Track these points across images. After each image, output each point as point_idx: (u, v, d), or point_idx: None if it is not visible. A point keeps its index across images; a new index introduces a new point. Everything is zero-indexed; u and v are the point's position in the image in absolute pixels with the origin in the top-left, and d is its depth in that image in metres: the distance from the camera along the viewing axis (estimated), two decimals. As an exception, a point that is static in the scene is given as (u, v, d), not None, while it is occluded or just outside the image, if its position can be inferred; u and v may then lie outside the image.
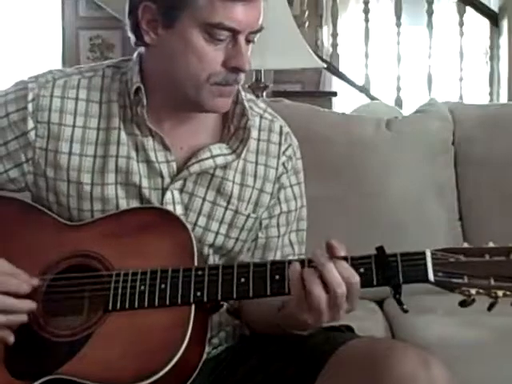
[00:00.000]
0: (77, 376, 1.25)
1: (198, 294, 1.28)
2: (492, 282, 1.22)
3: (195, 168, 1.43)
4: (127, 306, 1.29)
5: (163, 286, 1.29)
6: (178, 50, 1.35)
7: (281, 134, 1.52)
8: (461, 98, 4.94)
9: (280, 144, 1.51)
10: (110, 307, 1.30)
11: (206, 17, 1.32)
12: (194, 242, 1.34)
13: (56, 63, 5.51)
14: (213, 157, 1.43)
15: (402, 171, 2.37)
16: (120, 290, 1.30)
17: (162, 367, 1.22)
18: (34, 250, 1.39)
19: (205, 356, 1.31)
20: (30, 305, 1.32)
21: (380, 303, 2.25)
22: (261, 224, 1.51)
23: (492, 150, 2.40)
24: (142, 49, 1.43)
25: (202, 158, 1.43)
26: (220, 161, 1.44)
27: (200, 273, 1.29)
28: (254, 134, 1.49)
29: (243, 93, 1.48)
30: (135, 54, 1.45)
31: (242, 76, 1.39)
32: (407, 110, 3.43)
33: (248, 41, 1.38)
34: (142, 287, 1.29)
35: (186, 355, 1.24)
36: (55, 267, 1.37)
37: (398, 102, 4.84)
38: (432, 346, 1.79)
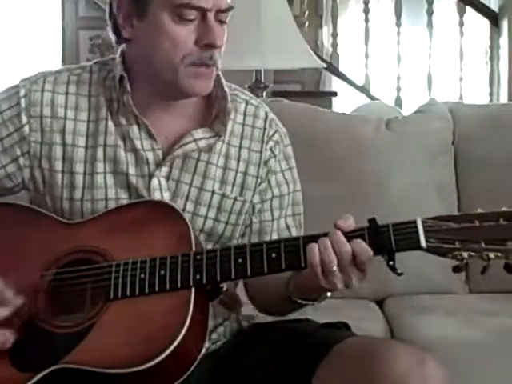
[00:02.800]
0: (80, 364, 1.26)
1: (198, 276, 1.30)
2: (483, 244, 1.24)
3: (178, 152, 1.46)
4: (128, 293, 1.32)
5: (163, 272, 1.31)
6: (153, 38, 1.40)
7: (266, 119, 1.55)
8: (461, 98, 4.94)
9: (264, 129, 1.54)
10: (112, 296, 1.32)
11: None
12: (192, 231, 1.36)
13: (56, 63, 5.50)
14: (195, 140, 1.47)
15: (402, 171, 2.37)
16: (120, 279, 1.32)
17: (163, 350, 1.23)
18: (36, 249, 1.41)
19: (205, 346, 1.32)
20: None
21: (380, 303, 2.25)
22: (254, 209, 1.53)
23: (492, 150, 2.41)
24: (124, 45, 1.48)
25: (184, 142, 1.46)
26: (202, 144, 1.47)
27: (198, 257, 1.32)
28: (239, 118, 1.53)
29: (227, 84, 1.52)
30: (118, 51, 1.50)
31: (217, 55, 1.42)
32: (407, 110, 3.43)
33: (220, 21, 1.41)
34: (142, 275, 1.32)
35: (187, 340, 1.25)
36: (57, 263, 1.38)
37: (398, 102, 4.84)
38: (432, 346, 1.79)
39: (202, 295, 1.32)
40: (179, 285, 1.30)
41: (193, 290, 1.30)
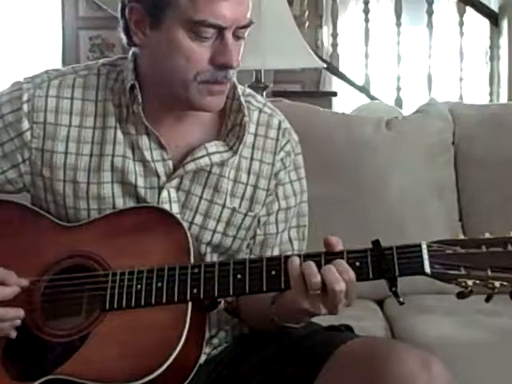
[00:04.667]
0: (74, 376, 1.25)
1: (195, 291, 1.28)
2: (489, 272, 1.21)
3: (191, 166, 1.42)
4: (124, 305, 1.30)
5: (160, 284, 1.29)
6: (165, 50, 1.34)
7: (279, 129, 1.49)
8: (461, 98, 4.94)
9: (277, 140, 1.49)
10: (107, 307, 1.30)
11: (190, 15, 1.31)
12: (190, 238, 1.34)
13: (56, 63, 5.50)
14: (208, 154, 1.42)
15: (402, 171, 2.37)
16: (117, 290, 1.31)
17: (158, 366, 1.22)
18: (32, 252, 1.39)
19: (203, 357, 1.31)
20: (15, 314, 1.32)
21: (380, 303, 2.25)
22: (259, 221, 1.49)
23: (492, 150, 2.40)
24: (136, 48, 1.42)
25: (197, 156, 1.42)
26: (216, 158, 1.42)
27: (196, 270, 1.29)
28: (252, 128, 1.47)
29: (240, 88, 1.47)
30: (130, 53, 1.44)
31: (232, 73, 1.36)
32: (407, 110, 3.43)
33: (237, 37, 1.35)
34: (139, 286, 1.30)
35: (183, 353, 1.24)
36: (52, 268, 1.37)
37: (398, 102, 4.84)
38: (432, 346, 1.79)
39: (198, 308, 1.30)
40: (176, 298, 1.28)
41: (189, 304, 1.28)
